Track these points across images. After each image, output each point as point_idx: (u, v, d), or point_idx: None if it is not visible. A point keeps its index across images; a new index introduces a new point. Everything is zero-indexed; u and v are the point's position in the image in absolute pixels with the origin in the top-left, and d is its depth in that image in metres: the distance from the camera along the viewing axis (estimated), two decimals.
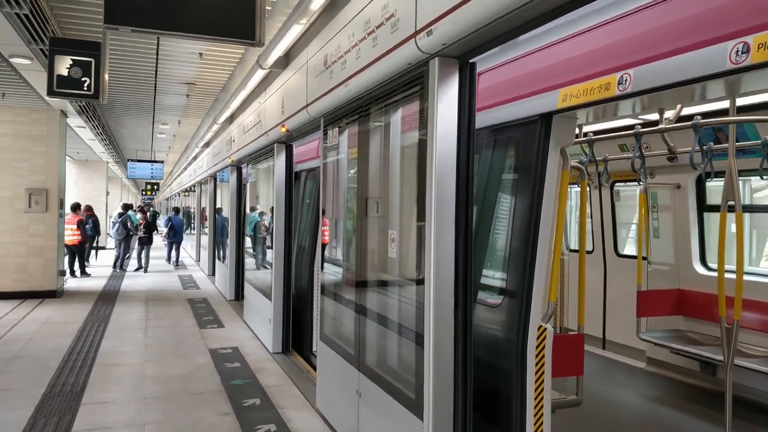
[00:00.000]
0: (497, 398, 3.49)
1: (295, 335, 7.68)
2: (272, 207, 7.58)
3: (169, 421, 5.17)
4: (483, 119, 3.79)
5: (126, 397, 5.78)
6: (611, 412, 5.51)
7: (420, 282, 3.52)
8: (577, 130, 5.19)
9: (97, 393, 5.88)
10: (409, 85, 3.65)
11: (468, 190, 3.35)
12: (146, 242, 16.76)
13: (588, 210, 8.11)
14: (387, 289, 4.26)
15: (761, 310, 5.67)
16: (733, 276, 5.92)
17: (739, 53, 2.21)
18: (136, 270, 16.58)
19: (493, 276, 3.77)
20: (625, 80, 2.71)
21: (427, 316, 3.33)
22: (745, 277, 6.06)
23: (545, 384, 3.28)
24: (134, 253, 18.11)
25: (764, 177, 4.80)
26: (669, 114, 4.56)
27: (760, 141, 4.70)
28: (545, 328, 3.27)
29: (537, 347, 3.28)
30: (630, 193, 8.03)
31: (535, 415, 3.28)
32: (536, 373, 3.27)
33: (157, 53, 8.81)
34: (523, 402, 3.27)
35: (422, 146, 3.46)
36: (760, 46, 2.14)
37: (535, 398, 3.27)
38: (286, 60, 6.41)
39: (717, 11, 2.38)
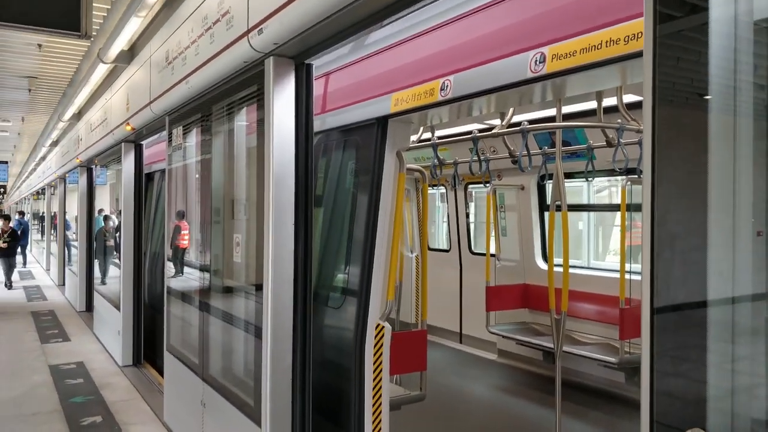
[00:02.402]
0: (338, 399, 3.49)
1: (150, 346, 7.25)
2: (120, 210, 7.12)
3: None
4: (333, 121, 3.80)
5: None
6: (457, 405, 5.75)
7: (262, 287, 3.44)
8: (429, 134, 5.39)
9: None
10: (249, 84, 3.57)
11: (307, 192, 3.33)
12: (7, 254, 14.08)
13: (447, 211, 8.45)
14: (232, 295, 4.13)
15: (596, 302, 6.19)
16: (578, 271, 6.45)
17: (537, 63, 2.37)
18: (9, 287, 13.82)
19: (335, 277, 3.78)
20: (446, 86, 2.83)
21: (265, 322, 3.26)
22: (586, 272, 6.62)
23: (383, 382, 3.33)
24: None
25: (589, 179, 5.24)
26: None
27: (585, 145, 5.11)
28: (383, 326, 3.32)
29: (375, 345, 3.32)
30: (485, 194, 8.46)
31: (373, 413, 3.32)
32: (374, 371, 3.31)
33: None
34: (361, 400, 3.30)
35: (262, 148, 3.39)
36: (554, 56, 2.32)
37: (374, 396, 3.31)
38: (130, 54, 6.03)
39: (523, 24, 2.55)
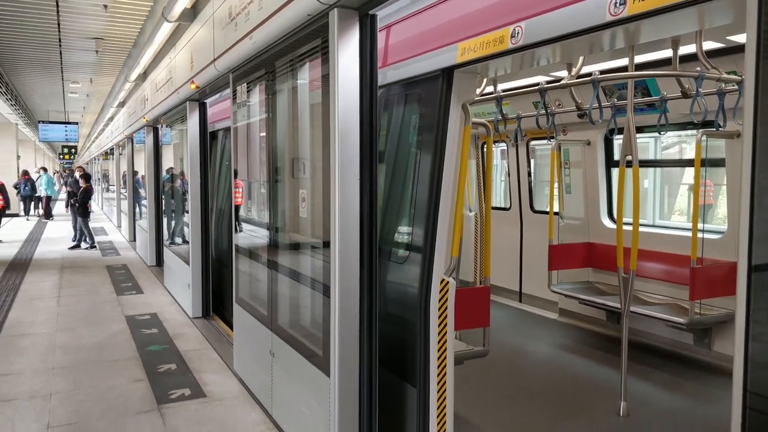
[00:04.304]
0: (403, 351, 3.54)
1: (218, 299, 7.55)
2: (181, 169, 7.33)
3: (78, 390, 4.99)
4: (395, 74, 3.74)
5: (32, 368, 5.53)
6: (520, 361, 5.74)
7: (328, 242, 3.48)
8: (491, 88, 5.24)
9: (0, 365, 5.60)
10: (313, 38, 3.54)
11: (372, 146, 3.31)
12: (82, 213, 13.86)
13: (507, 168, 8.28)
14: (299, 249, 4.21)
15: (664, 261, 5.99)
16: (643, 229, 6.23)
17: (617, 5, 2.24)
18: (73, 248, 13.88)
19: (400, 231, 3.78)
20: (517, 33, 2.71)
21: (333, 275, 3.31)
22: (652, 230, 6.40)
23: (448, 336, 3.34)
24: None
25: (662, 132, 4.99)
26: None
27: (659, 97, 4.85)
28: (447, 282, 3.32)
29: (440, 300, 3.32)
30: (547, 150, 8.23)
31: (438, 366, 3.35)
32: (439, 325, 3.33)
33: (57, 5, 8.19)
34: (426, 354, 3.33)
35: (326, 102, 3.38)
36: None
37: (438, 350, 3.33)
38: (193, 12, 6.09)
39: None
